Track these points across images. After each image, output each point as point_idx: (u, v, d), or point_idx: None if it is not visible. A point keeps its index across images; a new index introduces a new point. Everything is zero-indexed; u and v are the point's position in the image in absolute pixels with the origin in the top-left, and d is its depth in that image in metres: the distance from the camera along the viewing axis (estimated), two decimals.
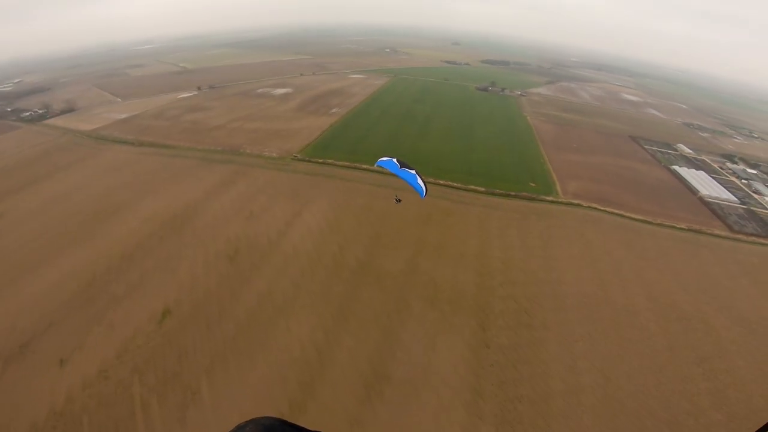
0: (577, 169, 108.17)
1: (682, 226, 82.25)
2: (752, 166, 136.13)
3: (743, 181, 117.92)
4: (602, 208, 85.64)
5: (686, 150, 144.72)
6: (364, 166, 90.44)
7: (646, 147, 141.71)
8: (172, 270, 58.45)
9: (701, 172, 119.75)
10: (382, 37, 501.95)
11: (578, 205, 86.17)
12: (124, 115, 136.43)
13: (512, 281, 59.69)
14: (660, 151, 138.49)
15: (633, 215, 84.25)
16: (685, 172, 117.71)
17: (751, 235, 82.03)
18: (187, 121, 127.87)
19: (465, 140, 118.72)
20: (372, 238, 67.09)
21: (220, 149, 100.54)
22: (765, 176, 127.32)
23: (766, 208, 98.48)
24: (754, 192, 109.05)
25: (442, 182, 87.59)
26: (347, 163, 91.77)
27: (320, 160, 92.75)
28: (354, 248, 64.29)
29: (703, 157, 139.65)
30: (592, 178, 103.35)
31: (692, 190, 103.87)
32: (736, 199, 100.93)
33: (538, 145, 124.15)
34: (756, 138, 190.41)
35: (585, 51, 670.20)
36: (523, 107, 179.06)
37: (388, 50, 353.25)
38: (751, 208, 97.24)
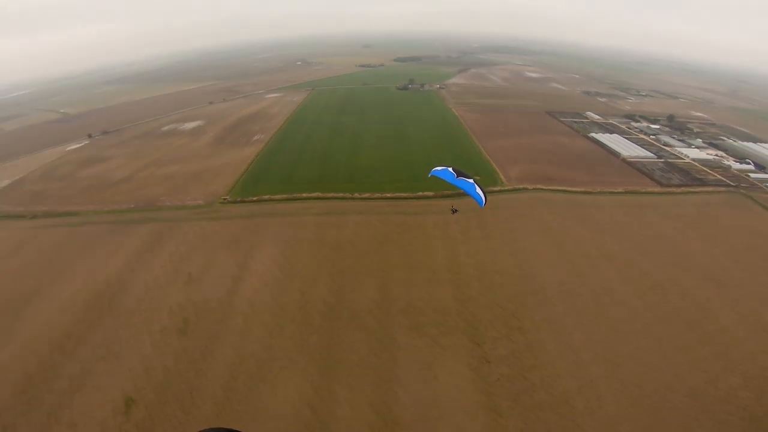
0: (511, 153, 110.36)
1: (620, 190, 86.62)
2: (653, 122, 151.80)
3: (651, 136, 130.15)
4: (547, 188, 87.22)
5: (595, 116, 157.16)
6: (304, 195, 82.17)
7: (561, 120, 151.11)
8: (115, 355, 47.54)
9: (615, 135, 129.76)
10: (292, 50, 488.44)
11: (524, 189, 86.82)
12: (4, 182, 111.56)
13: (490, 286, 56.44)
14: (574, 122, 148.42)
15: (575, 188, 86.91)
16: (601, 137, 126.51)
17: (680, 186, 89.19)
18: (85, 177, 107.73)
19: (400, 145, 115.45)
20: (333, 274, 59.79)
21: (134, 206, 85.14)
22: (667, 129, 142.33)
23: (679, 158, 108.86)
24: (664, 145, 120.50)
25: (389, 195, 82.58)
26: (284, 196, 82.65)
27: (254, 198, 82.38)
28: (317, 290, 56.64)
29: (611, 121, 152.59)
30: (527, 159, 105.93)
31: (614, 154, 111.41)
32: (652, 154, 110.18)
33: (471, 136, 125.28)
34: (645, 96, 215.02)
35: (482, 36, 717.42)
36: (446, 99, 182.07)
37: (300, 63, 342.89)
38: (668, 160, 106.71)
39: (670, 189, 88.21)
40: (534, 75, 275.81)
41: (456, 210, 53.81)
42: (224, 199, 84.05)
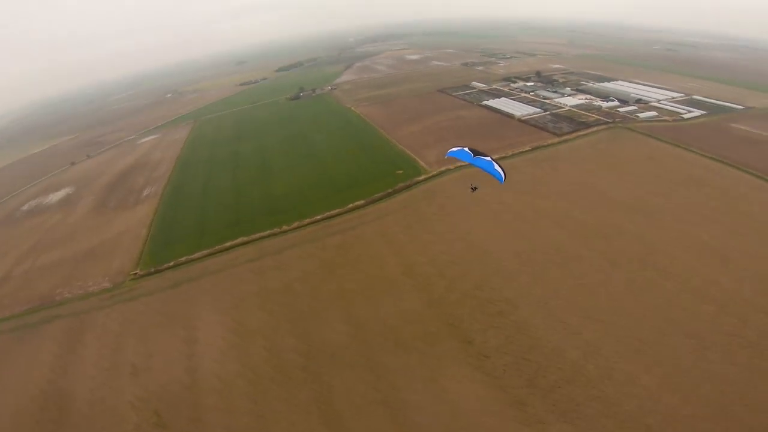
0: (421, 137, 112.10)
1: (528, 148, 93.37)
2: (526, 80, 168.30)
3: (531, 93, 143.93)
4: (466, 163, 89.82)
5: (480, 85, 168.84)
6: (227, 245, 71.94)
7: (454, 95, 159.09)
8: None
9: (503, 99, 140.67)
10: (156, 82, 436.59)
11: (447, 171, 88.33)
12: None
13: (453, 279, 55.42)
14: (465, 94, 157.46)
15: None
16: (493, 103, 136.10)
17: (571, 132, 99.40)
18: None
19: (312, 159, 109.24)
20: (293, 320, 53.16)
21: (26, 309, 65.93)
22: (540, 84, 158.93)
23: (560, 107, 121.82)
24: (544, 99, 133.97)
25: (319, 217, 76.69)
26: (205, 252, 71.23)
27: (170, 264, 69.50)
28: (283, 341, 49.96)
29: (494, 86, 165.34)
30: (438, 139, 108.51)
31: (509, 116, 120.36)
32: (539, 109, 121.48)
33: (378, 130, 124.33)
34: (510, 58, 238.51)
35: (355, 29, 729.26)
36: (342, 100, 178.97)
37: (170, 95, 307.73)
38: (552, 112, 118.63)
39: (565, 137, 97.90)
40: (414, 57, 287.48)
41: (476, 187, 51.84)
42: (135, 274, 69.75)
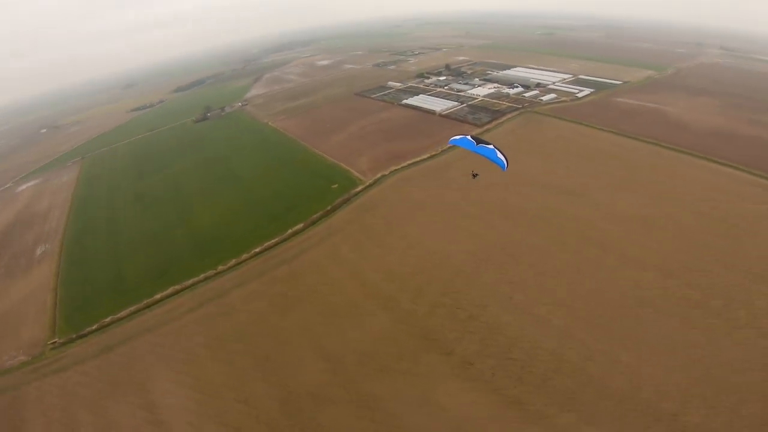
0: (348, 145, 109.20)
1: (435, 146, 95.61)
2: (438, 75, 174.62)
3: (445, 87, 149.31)
4: (400, 166, 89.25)
5: (396, 84, 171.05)
6: (158, 296, 61.45)
7: (372, 97, 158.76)
8: None
9: (420, 96, 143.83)
10: (24, 117, 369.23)
11: (383, 178, 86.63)
12: None
13: (416, 291, 53.65)
14: (384, 95, 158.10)
15: (423, 156, 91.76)
16: (412, 101, 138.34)
17: (491, 121, 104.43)
18: None
19: (235, 186, 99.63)
20: (259, 367, 46.93)
21: None
22: (451, 77, 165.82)
23: (474, 98, 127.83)
24: (458, 92, 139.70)
25: (258, 249, 69.56)
26: (133, 308, 60.07)
27: (94, 327, 57.33)
28: (256, 391, 44.07)
29: (409, 84, 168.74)
30: (366, 146, 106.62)
31: (430, 112, 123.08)
32: (456, 102, 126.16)
33: (302, 144, 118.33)
34: (419, 54, 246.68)
35: (257, 40, 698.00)
36: (256, 116, 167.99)
37: (45, 130, 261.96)
38: (468, 103, 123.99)
39: (485, 126, 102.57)
40: (325, 62, 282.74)
41: (477, 174, 50.34)
42: (53, 342, 56.79)
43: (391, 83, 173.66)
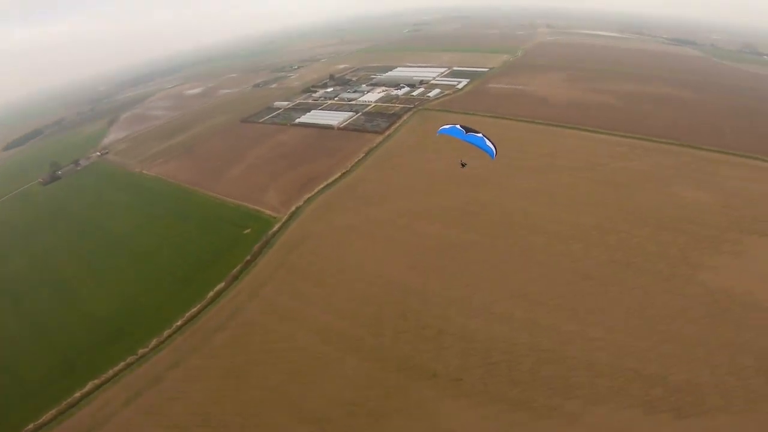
0: (250, 180, 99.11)
1: (362, 155, 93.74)
2: (324, 87, 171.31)
3: (335, 99, 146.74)
4: (314, 192, 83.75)
5: (284, 104, 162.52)
6: (77, 394, 46.36)
7: (261, 122, 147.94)
8: None
9: (312, 111, 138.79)
10: None
11: (298, 209, 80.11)
12: None
13: (373, 322, 49.88)
14: (273, 117, 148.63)
15: (334, 177, 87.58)
16: (306, 119, 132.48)
17: (389, 126, 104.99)
18: None
19: (124, 255, 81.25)
20: None
21: None
22: (339, 87, 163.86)
23: (366, 105, 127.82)
24: (349, 101, 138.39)
25: (180, 322, 57.55)
26: (53, 412, 44.70)
27: None
28: None
29: (297, 101, 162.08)
30: (270, 176, 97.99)
31: (328, 127, 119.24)
32: (351, 113, 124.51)
33: (193, 189, 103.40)
34: (299, 68, 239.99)
35: (101, 76, 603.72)
36: (125, 164, 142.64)
37: None
38: (363, 111, 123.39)
39: (386, 132, 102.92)
40: (197, 91, 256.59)
41: (465, 164, 49.32)
42: None
43: (277, 103, 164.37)
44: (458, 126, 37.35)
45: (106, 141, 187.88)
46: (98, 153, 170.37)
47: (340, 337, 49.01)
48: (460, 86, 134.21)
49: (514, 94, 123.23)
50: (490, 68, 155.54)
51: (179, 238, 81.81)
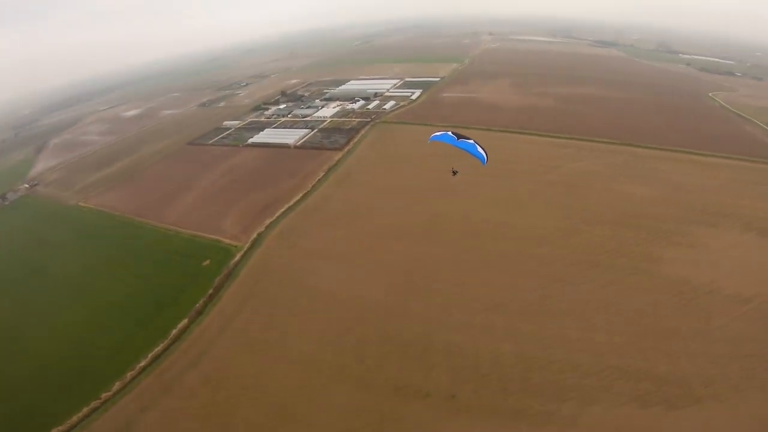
0: (204, 208, 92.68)
1: (322, 174, 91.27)
2: (276, 104, 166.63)
3: (289, 116, 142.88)
4: (275, 217, 79.89)
5: (234, 123, 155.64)
6: None
7: (211, 143, 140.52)
8: None
9: (266, 131, 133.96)
10: None
11: (260, 236, 75.84)
12: None
13: (355, 349, 47.74)
14: (223, 138, 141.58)
15: (296, 198, 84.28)
16: (259, 138, 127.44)
17: (348, 142, 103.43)
18: None
19: (71, 298, 71.38)
20: None
21: None
22: (291, 103, 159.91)
23: (322, 120, 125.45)
24: (304, 117, 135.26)
25: (144, 363, 51.28)
26: None
27: None
28: None
29: (249, 120, 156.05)
30: (227, 203, 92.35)
31: (285, 146, 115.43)
32: (307, 129, 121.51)
33: (139, 221, 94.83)
34: (247, 85, 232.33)
35: (28, 98, 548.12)
36: (59, 197, 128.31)
37: None
38: (319, 128, 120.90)
39: (345, 149, 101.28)
40: (135, 112, 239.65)
41: (456, 171, 50.02)
42: None
43: (227, 123, 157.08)
44: (450, 133, 38.17)
45: (34, 171, 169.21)
46: (26, 185, 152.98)
47: (323, 368, 46.33)
48: (414, 97, 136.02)
49: (467, 102, 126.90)
50: (442, 77, 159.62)
51: (131, 276, 74.59)
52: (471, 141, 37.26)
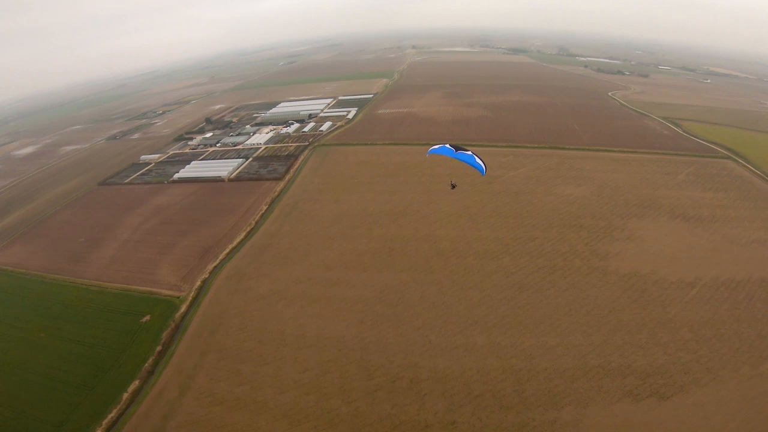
0: (132, 258, 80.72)
1: (265, 208, 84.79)
2: (200, 132, 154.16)
3: (218, 145, 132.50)
4: (219, 260, 72.00)
5: (153, 157, 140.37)
6: None
7: (128, 182, 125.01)
8: None
9: (193, 163, 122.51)
10: None
11: (206, 282, 67.62)
12: None
13: (341, 392, 43.14)
14: (143, 174, 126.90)
15: (240, 238, 77.00)
16: (187, 173, 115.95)
17: (288, 170, 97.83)
18: None
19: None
20: None
21: None
22: (219, 131, 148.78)
23: (256, 148, 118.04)
24: (235, 146, 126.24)
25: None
26: None
27: None
28: None
29: (171, 152, 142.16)
30: (158, 250, 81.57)
31: (217, 180, 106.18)
32: (240, 159, 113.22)
33: (56, 278, 79.89)
34: (164, 114, 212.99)
35: None
36: None
37: None
38: (253, 156, 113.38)
39: (286, 177, 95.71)
40: (29, 150, 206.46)
41: (455, 185, 49.60)
42: None
43: (145, 157, 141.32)
44: (447, 145, 37.71)
45: None
46: None
47: (309, 415, 41.74)
48: (350, 116, 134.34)
49: (404, 118, 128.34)
50: (375, 93, 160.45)
51: (57, 340, 62.44)
52: (469, 152, 37.00)
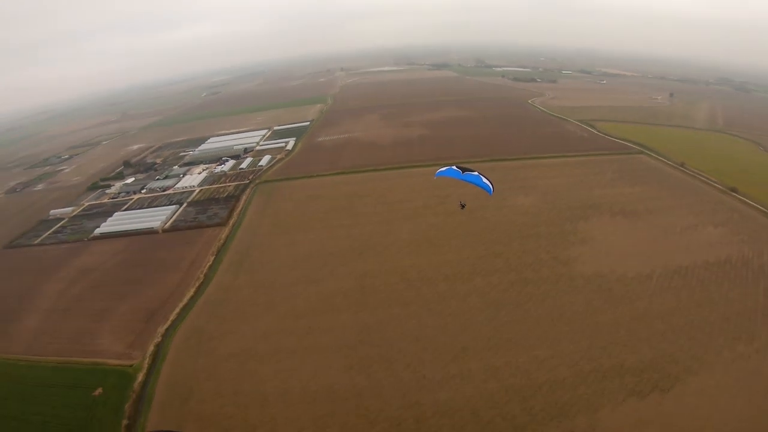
0: (65, 328, 66.52)
1: (212, 258, 76.93)
2: (119, 178, 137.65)
3: (143, 191, 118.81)
4: (170, 321, 62.77)
5: (66, 211, 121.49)
6: None
7: (39, 242, 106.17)
8: None
9: (116, 215, 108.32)
10: None
11: (161, 346, 58.17)
12: None
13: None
14: (56, 234, 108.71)
15: (189, 294, 68.23)
16: (110, 227, 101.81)
17: (230, 214, 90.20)
18: None
19: None
20: None
21: None
22: (141, 175, 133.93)
23: (190, 191, 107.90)
24: (164, 191, 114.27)
25: None
26: None
27: None
28: None
29: (86, 204, 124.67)
30: (94, 317, 68.33)
31: (149, 232, 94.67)
32: (173, 205, 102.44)
33: None
34: (69, 158, 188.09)
35: None
36: None
37: None
38: (188, 201, 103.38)
39: (230, 223, 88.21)
40: None
41: (464, 205, 51.21)
42: None
43: (56, 211, 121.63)
44: (454, 167, 37.96)
45: None
46: None
47: None
48: (289, 146, 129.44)
49: (346, 144, 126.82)
50: (311, 120, 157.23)
51: (2, 420, 49.54)
52: (476, 173, 37.48)
